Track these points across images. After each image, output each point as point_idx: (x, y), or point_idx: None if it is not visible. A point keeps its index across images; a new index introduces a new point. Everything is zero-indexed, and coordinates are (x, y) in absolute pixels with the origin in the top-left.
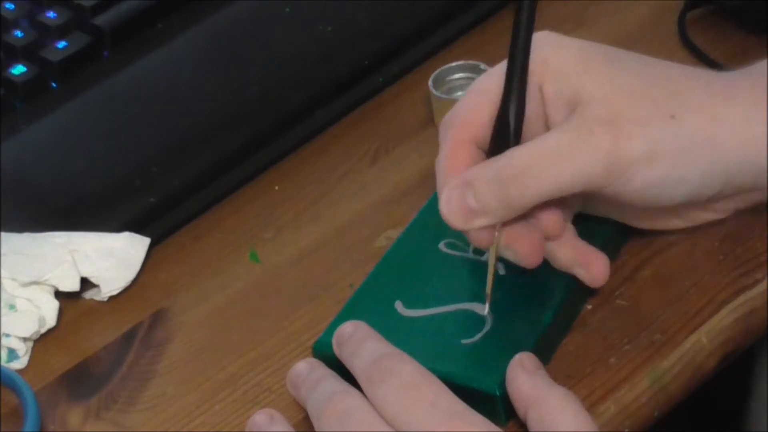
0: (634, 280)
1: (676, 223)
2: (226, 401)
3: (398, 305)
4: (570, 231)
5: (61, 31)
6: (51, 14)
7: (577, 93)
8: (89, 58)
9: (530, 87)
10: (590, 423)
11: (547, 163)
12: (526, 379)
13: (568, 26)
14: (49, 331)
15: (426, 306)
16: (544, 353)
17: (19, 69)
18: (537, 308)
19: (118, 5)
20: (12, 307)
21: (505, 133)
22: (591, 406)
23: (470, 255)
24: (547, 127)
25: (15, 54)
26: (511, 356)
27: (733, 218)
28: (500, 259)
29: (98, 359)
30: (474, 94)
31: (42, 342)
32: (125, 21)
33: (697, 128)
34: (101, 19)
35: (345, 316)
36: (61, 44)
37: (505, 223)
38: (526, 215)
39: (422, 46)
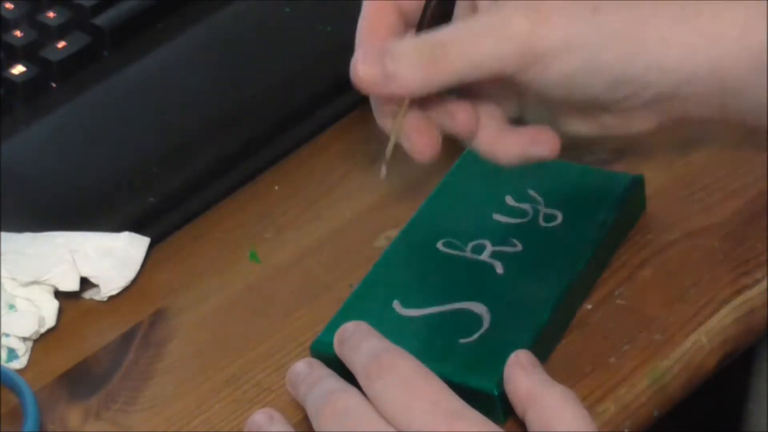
0: (634, 280)
1: (593, 128)
2: (226, 401)
3: (396, 305)
4: (503, 125)
5: (61, 31)
6: (51, 14)
7: None
8: (89, 58)
9: None
10: (589, 421)
11: (465, 39)
12: (524, 377)
13: None
14: (49, 330)
15: (424, 305)
16: (542, 352)
17: (19, 69)
18: (535, 307)
19: (118, 5)
20: (12, 306)
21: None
22: (591, 405)
23: (468, 255)
24: None
25: (15, 54)
26: (508, 355)
27: (732, 218)
28: (497, 258)
29: (98, 359)
30: None
31: (42, 342)
32: (125, 21)
33: (619, 22)
34: (101, 19)
35: (343, 315)
36: (61, 44)
37: (411, 116)
38: (435, 110)
39: None
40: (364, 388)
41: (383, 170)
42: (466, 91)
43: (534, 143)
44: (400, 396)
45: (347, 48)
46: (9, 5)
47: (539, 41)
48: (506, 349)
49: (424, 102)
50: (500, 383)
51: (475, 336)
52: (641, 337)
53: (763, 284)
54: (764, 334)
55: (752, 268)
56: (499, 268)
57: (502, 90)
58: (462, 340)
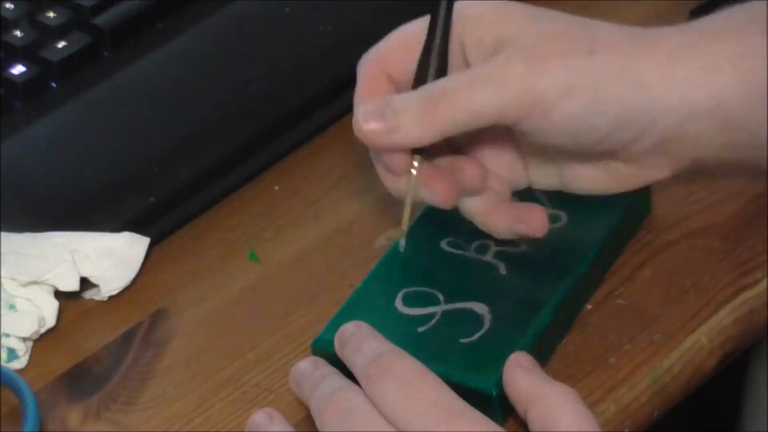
0: (634, 280)
1: (611, 183)
2: (225, 401)
3: (398, 303)
4: (503, 197)
5: (61, 31)
6: (51, 14)
7: (497, 37)
8: (89, 58)
9: (451, 40)
10: (591, 419)
11: (465, 88)
12: (524, 377)
13: None
14: (49, 330)
15: (426, 305)
16: (542, 354)
17: (19, 69)
18: (536, 309)
19: (118, 5)
20: (12, 306)
21: (425, 71)
22: (591, 405)
23: (472, 254)
24: None
25: (15, 54)
26: (508, 356)
27: (732, 218)
28: (500, 258)
29: (98, 359)
30: (396, 35)
31: (42, 342)
32: (125, 21)
33: (617, 64)
34: (101, 19)
35: (345, 313)
36: (61, 44)
37: (423, 167)
38: (446, 166)
39: None
40: (365, 390)
41: (402, 242)
42: (477, 157)
43: (521, 221)
44: (402, 397)
45: (347, 48)
46: (9, 5)
47: (537, 86)
48: (507, 350)
49: (435, 159)
50: (499, 384)
51: (476, 336)
52: (641, 337)
53: (763, 284)
54: (764, 334)
55: (752, 268)
56: (503, 269)
57: (510, 156)
58: (462, 340)
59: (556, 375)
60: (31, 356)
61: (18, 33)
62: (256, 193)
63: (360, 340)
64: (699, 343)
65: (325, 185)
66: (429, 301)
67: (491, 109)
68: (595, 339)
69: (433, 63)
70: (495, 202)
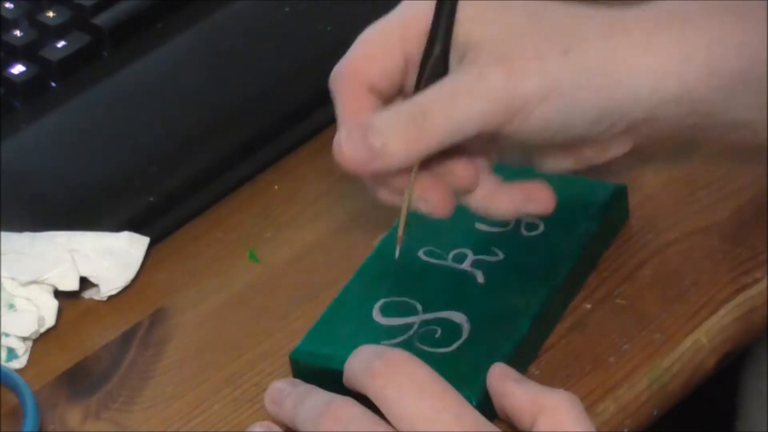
0: (634, 279)
1: (573, 164)
2: (225, 401)
3: (376, 313)
4: (497, 179)
5: (61, 31)
6: (51, 14)
7: (468, 37)
8: (89, 57)
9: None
10: (590, 424)
11: (446, 103)
12: (520, 389)
13: None
14: (49, 330)
15: (404, 314)
16: (522, 362)
17: (19, 69)
18: (514, 317)
19: (117, 5)
20: (11, 306)
21: (437, 67)
22: (590, 405)
23: (449, 264)
24: None
25: (15, 54)
26: (488, 366)
27: (732, 218)
28: (478, 267)
29: (98, 359)
30: (366, 44)
31: (41, 341)
32: (125, 21)
33: (591, 61)
34: (101, 19)
35: (324, 324)
36: (61, 44)
37: (416, 175)
38: (438, 170)
39: None
40: (366, 392)
41: (397, 251)
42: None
43: (529, 201)
44: (422, 407)
45: (347, 48)
46: (9, 5)
47: (517, 93)
48: (486, 359)
49: (424, 163)
50: (480, 393)
51: (455, 346)
52: (641, 337)
53: (763, 284)
54: (764, 334)
55: (752, 268)
56: (480, 278)
57: (484, 142)
58: (441, 350)
59: (555, 375)
60: (30, 356)
61: (18, 33)
62: (256, 193)
63: (358, 350)
64: (698, 342)
65: (325, 185)
66: (407, 311)
67: (474, 122)
68: (595, 339)
69: (436, 67)
70: (492, 188)
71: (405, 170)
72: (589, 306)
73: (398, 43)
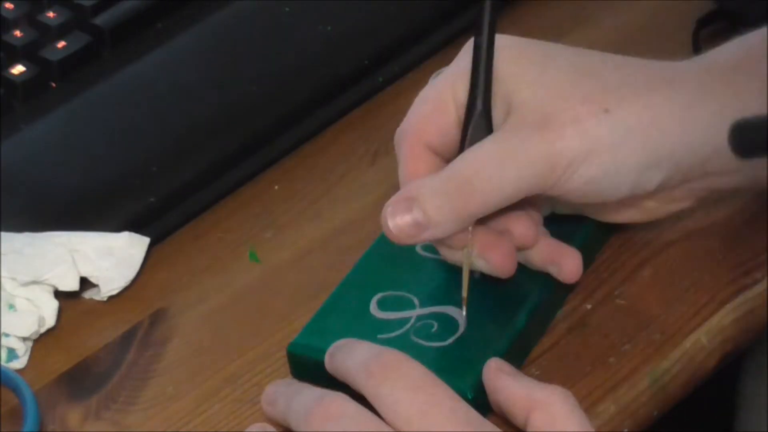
0: (634, 279)
1: (636, 215)
2: (225, 401)
3: (373, 308)
4: (542, 232)
5: (61, 31)
6: (51, 14)
7: (510, 96)
8: (89, 57)
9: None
10: (587, 422)
11: (489, 173)
12: (515, 383)
13: (568, 26)
14: (49, 330)
15: (401, 309)
16: (518, 357)
17: (19, 69)
18: (511, 312)
19: (118, 5)
20: (11, 306)
21: (483, 122)
22: (590, 405)
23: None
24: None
25: (15, 54)
26: (484, 360)
27: (732, 218)
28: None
29: (98, 359)
30: (423, 103)
31: (41, 342)
32: (125, 21)
33: (633, 118)
34: (101, 19)
35: (320, 318)
36: (61, 44)
37: (476, 232)
38: (497, 226)
39: (422, 45)
40: (363, 390)
41: (463, 311)
42: None
43: (553, 263)
44: (416, 402)
45: (347, 48)
46: (9, 5)
47: (561, 156)
48: (481, 354)
49: (482, 219)
50: (474, 387)
51: (451, 340)
52: (641, 337)
53: (763, 284)
54: (764, 334)
55: (752, 268)
56: (477, 273)
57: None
58: (437, 344)
59: (555, 375)
60: (30, 356)
61: (18, 33)
62: (256, 193)
63: (352, 345)
64: (699, 343)
65: (325, 185)
66: (404, 305)
67: (518, 188)
68: (595, 338)
69: (478, 125)
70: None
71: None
72: (589, 306)
73: (451, 100)
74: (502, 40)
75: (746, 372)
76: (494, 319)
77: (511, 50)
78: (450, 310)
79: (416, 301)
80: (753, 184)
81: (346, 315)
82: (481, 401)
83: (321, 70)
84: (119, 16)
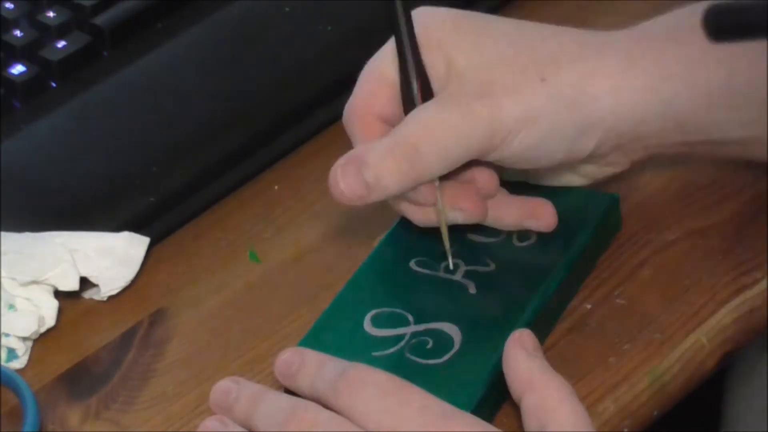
0: (634, 279)
1: (576, 179)
2: None
3: (367, 324)
4: (504, 191)
5: (61, 31)
6: (51, 14)
7: (450, 64)
8: (89, 57)
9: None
10: (585, 416)
11: (433, 140)
12: (525, 360)
13: (567, 25)
14: (49, 330)
15: (396, 325)
16: None
17: (19, 69)
18: (506, 328)
19: (118, 5)
20: (11, 306)
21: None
22: (590, 405)
23: (441, 274)
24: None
25: (15, 54)
26: (480, 377)
27: (732, 218)
28: (470, 278)
29: (98, 359)
30: (365, 81)
31: (41, 341)
32: (125, 21)
33: (569, 86)
34: (101, 19)
35: (314, 335)
36: (61, 44)
37: (443, 186)
38: (461, 178)
39: None
40: (334, 406)
41: (450, 263)
42: None
43: (530, 217)
44: (385, 404)
45: (347, 48)
46: (9, 5)
47: (501, 123)
48: (478, 370)
49: (446, 175)
50: (472, 405)
51: (446, 357)
52: (641, 337)
53: (763, 284)
54: (764, 334)
55: (752, 268)
56: (472, 288)
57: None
58: (433, 361)
59: None
60: (30, 356)
61: (18, 33)
62: (256, 193)
63: (317, 365)
64: (699, 342)
65: (325, 185)
66: (398, 322)
67: (461, 153)
68: (595, 338)
69: (415, 84)
70: (500, 199)
71: (429, 185)
72: (589, 306)
73: (391, 72)
74: (440, 11)
75: (734, 376)
76: (490, 336)
77: (447, 20)
78: (445, 326)
79: (411, 318)
80: (686, 151)
81: (340, 332)
82: (480, 417)
83: (321, 70)
84: (119, 16)
